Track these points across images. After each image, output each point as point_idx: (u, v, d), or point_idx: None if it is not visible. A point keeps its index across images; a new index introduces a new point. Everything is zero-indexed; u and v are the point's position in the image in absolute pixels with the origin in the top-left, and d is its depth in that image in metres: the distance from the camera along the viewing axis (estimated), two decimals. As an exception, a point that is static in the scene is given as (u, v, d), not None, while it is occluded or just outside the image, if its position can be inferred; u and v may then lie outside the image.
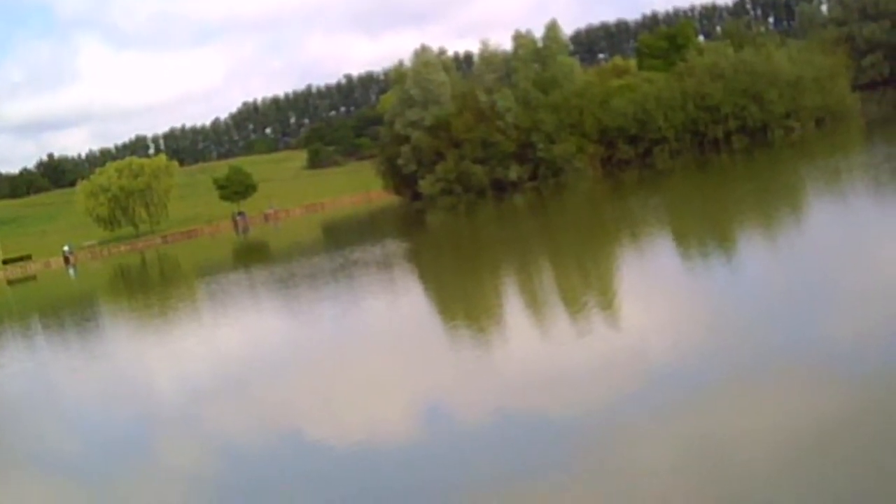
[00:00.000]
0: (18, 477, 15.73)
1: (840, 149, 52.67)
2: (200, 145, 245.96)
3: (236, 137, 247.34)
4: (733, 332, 15.54)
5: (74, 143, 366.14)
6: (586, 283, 24.71)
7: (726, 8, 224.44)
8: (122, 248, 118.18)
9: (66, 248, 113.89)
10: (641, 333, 16.75)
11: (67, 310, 47.38)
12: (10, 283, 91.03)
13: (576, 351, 16.26)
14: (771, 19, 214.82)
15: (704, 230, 30.24)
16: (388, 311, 26.40)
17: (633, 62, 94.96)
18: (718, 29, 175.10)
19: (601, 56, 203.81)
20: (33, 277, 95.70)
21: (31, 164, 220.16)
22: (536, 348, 17.53)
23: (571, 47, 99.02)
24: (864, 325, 14.16)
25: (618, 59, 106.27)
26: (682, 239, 29.50)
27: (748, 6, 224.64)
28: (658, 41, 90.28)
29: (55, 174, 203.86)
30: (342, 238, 66.17)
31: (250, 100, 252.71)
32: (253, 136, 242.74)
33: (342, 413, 15.57)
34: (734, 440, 10.59)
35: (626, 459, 10.83)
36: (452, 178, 78.51)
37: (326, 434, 14.59)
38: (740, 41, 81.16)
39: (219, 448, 15.09)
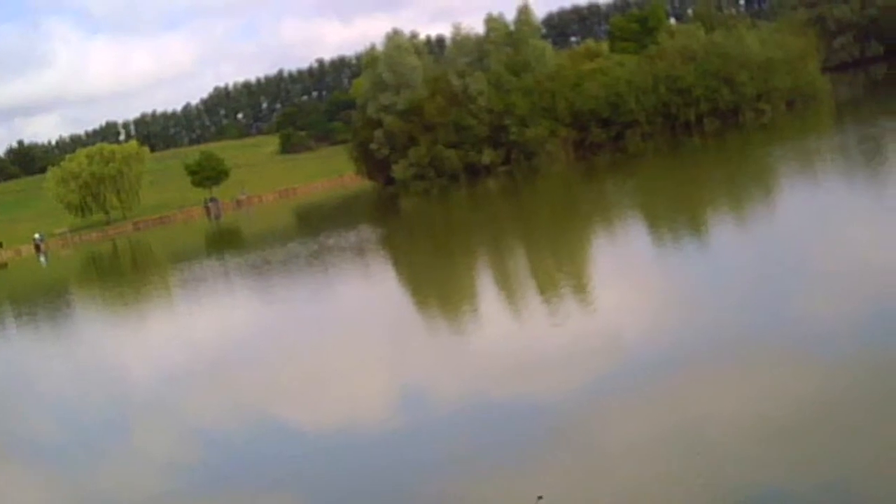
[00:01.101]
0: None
1: (811, 131, 53.01)
2: (172, 131, 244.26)
3: (208, 123, 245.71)
4: (709, 313, 15.67)
5: (45, 130, 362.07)
6: (561, 267, 24.81)
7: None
8: (94, 235, 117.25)
9: (36, 235, 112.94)
10: (616, 315, 16.86)
11: (40, 298, 47.11)
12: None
13: (551, 333, 16.35)
14: (742, 1, 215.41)
15: (678, 213, 30.39)
16: (365, 296, 26.45)
17: (605, 45, 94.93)
18: (690, 11, 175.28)
19: (573, 39, 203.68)
20: (4, 265, 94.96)
21: (0, 152, 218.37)
22: (512, 331, 17.62)
23: (544, 30, 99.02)
24: (839, 306, 14.31)
25: (590, 43, 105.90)
26: (655, 222, 29.64)
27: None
28: (630, 24, 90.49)
29: (25, 161, 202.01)
30: (316, 224, 66.04)
31: (222, 85, 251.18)
32: (224, 122, 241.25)
33: (318, 396, 15.61)
34: (710, 420, 10.70)
35: (602, 440, 10.92)
36: (425, 162, 78.29)
37: (303, 416, 14.64)
38: (711, 23, 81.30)
39: (196, 432, 15.11)
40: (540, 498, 7.86)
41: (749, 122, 69.62)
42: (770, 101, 71.79)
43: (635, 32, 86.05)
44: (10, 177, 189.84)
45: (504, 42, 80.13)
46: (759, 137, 56.28)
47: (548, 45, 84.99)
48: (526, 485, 9.64)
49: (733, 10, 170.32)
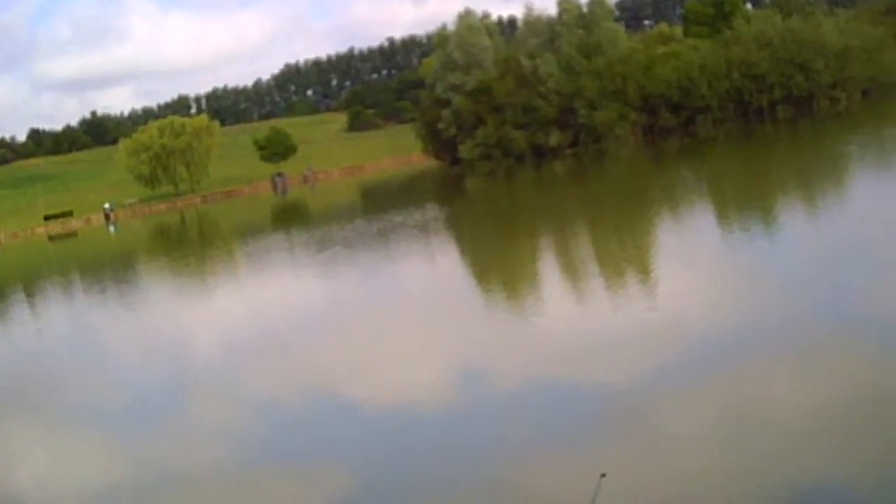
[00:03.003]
0: (60, 430, 15.93)
1: (887, 120, 51.85)
2: (242, 106, 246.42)
3: (277, 99, 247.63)
4: (776, 303, 15.37)
5: (117, 102, 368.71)
6: (627, 254, 24.56)
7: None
8: (162, 206, 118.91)
9: (106, 205, 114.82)
10: (681, 302, 16.61)
11: (109, 267, 47.81)
12: (51, 238, 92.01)
13: (614, 319, 16.17)
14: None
15: (750, 202, 29.86)
16: (431, 275, 26.43)
17: (678, 29, 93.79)
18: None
19: (647, 23, 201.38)
20: (74, 234, 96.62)
21: (74, 122, 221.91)
22: (575, 316, 17.48)
23: (616, 13, 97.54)
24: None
25: (663, 26, 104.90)
26: (726, 210, 29.22)
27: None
28: (705, 8, 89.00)
29: (98, 132, 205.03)
30: (381, 202, 66.20)
31: (293, 61, 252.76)
32: (294, 98, 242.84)
33: (382, 374, 15.59)
34: (773, 408, 10.50)
35: (662, 425, 10.77)
36: (492, 143, 78.15)
37: (366, 394, 14.63)
38: (788, 9, 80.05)
39: (260, 408, 15.16)
40: (603, 475, 7.73)
41: (823, 110, 68.44)
42: (845, 89, 70.53)
43: (710, 17, 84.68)
44: (82, 147, 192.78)
45: (576, 24, 79.52)
46: (834, 126, 55.27)
47: (620, 28, 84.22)
48: (590, 463, 9.53)
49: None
